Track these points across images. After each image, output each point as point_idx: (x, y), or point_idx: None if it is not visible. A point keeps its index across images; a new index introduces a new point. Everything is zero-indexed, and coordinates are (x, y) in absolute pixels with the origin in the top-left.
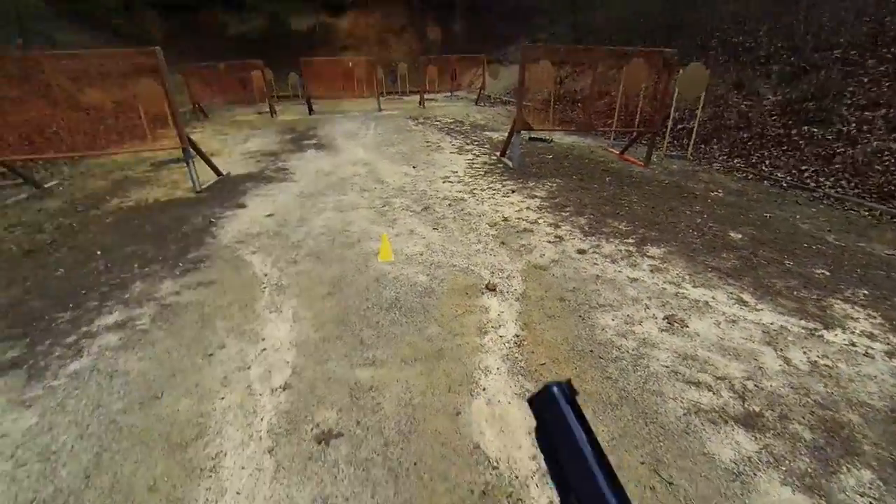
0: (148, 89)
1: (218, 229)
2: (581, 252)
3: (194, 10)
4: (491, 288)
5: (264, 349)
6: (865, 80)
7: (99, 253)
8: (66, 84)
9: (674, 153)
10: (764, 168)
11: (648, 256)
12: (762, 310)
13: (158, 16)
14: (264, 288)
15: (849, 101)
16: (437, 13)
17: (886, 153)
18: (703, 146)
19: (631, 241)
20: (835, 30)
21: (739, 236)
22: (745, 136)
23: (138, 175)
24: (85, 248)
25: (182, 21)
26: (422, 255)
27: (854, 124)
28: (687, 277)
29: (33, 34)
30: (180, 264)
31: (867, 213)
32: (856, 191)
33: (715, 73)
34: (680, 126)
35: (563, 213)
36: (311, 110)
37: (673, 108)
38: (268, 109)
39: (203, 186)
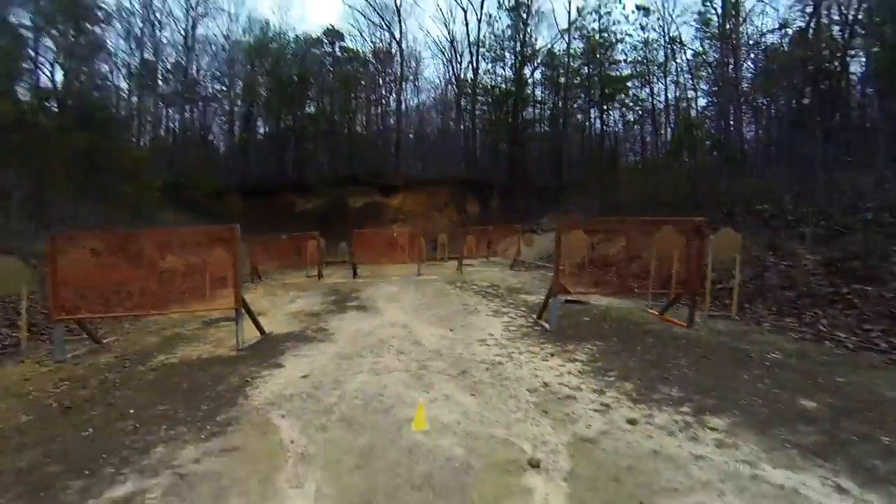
0: (218, 255)
1: (252, 389)
2: (632, 422)
3: (270, 192)
4: (534, 464)
5: None
6: None
7: (131, 412)
8: (153, 252)
9: (717, 313)
10: (822, 328)
11: (710, 428)
12: (871, 502)
13: (241, 198)
14: (289, 457)
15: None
16: (476, 192)
17: None
18: (747, 306)
19: (687, 409)
20: (859, 196)
21: (814, 405)
22: (792, 294)
23: (188, 332)
24: (120, 406)
25: (259, 202)
26: (458, 423)
27: None
28: (763, 455)
29: (140, 217)
30: (208, 427)
31: None
32: None
33: (746, 237)
34: (719, 286)
35: (607, 378)
36: (355, 274)
37: (709, 269)
38: (316, 273)
39: (245, 345)
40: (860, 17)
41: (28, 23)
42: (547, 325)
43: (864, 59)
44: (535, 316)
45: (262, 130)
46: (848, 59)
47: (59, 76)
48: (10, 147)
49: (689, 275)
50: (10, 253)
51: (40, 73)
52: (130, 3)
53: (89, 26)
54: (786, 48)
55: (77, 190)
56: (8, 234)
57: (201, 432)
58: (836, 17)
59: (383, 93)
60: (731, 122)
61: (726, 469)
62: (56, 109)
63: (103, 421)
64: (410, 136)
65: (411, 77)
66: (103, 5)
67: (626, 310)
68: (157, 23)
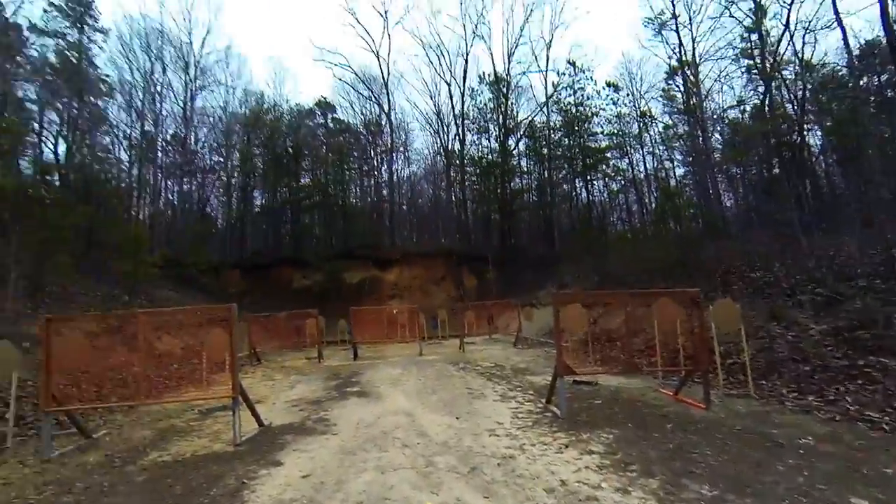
0: (215, 338)
1: (249, 493)
2: None
3: (268, 268)
4: None
5: None
6: None
7: None
8: (149, 334)
9: (734, 391)
10: (848, 406)
11: None
12: None
13: (240, 274)
14: None
15: None
16: (471, 265)
17: None
18: (763, 382)
19: None
20: (845, 262)
21: (866, 503)
22: (807, 368)
23: (183, 423)
24: None
25: (257, 278)
26: None
27: None
28: None
29: (137, 294)
30: None
31: None
32: None
33: (744, 307)
34: (730, 361)
35: (629, 473)
36: (356, 356)
37: (716, 343)
38: (316, 355)
39: (243, 439)
40: (808, 95)
41: (34, 96)
42: (557, 411)
43: (819, 133)
44: (543, 400)
45: (258, 202)
46: (805, 132)
47: (61, 149)
48: (11, 222)
49: (696, 350)
50: (1, 336)
51: (44, 145)
52: (132, 75)
53: (93, 99)
54: (746, 122)
55: (75, 267)
56: (2, 316)
57: None
58: (787, 96)
59: (375, 164)
60: (710, 191)
61: None
62: (58, 183)
63: None
64: (403, 207)
65: (401, 148)
66: (106, 78)
67: (637, 390)
68: (157, 95)
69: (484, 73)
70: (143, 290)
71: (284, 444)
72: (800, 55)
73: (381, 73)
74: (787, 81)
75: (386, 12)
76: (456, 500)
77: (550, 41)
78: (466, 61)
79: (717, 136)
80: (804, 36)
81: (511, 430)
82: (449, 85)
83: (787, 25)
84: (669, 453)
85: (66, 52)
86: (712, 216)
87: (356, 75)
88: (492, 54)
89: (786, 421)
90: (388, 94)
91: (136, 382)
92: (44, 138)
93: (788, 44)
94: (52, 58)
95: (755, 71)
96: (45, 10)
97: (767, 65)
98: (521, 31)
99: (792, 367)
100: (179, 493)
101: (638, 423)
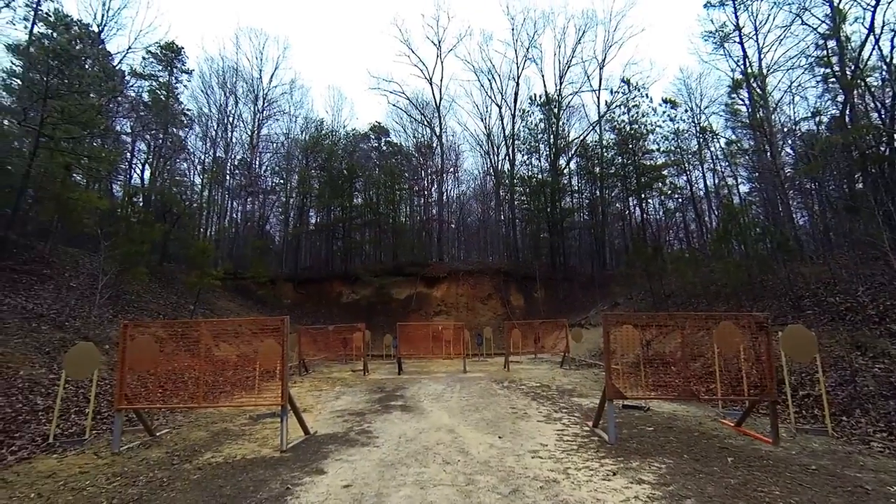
0: (268, 348)
1: (293, 499)
2: None
3: (320, 282)
4: None
5: None
6: None
7: None
8: (209, 341)
9: (808, 427)
10: None
11: None
12: None
13: (293, 286)
14: None
15: None
16: (519, 283)
17: None
18: (844, 419)
19: None
20: None
21: None
22: None
23: (236, 427)
24: None
25: (309, 291)
26: None
27: None
28: None
29: (201, 303)
30: None
31: None
32: None
33: (823, 334)
34: (803, 393)
35: None
36: (400, 370)
37: (786, 373)
38: (361, 367)
39: (289, 445)
40: None
41: (128, 129)
42: (605, 436)
43: None
44: (590, 423)
45: (313, 220)
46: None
47: (147, 174)
48: (102, 237)
49: (762, 379)
50: (87, 339)
51: (133, 171)
52: (209, 108)
53: (175, 130)
54: (823, 134)
55: (149, 277)
56: (89, 321)
57: None
58: (871, 105)
59: (425, 184)
60: (780, 209)
61: None
62: (141, 204)
63: None
64: (452, 225)
65: (451, 169)
66: (188, 112)
67: (693, 418)
68: (229, 125)
69: (535, 95)
70: (205, 300)
71: (328, 454)
72: (887, 59)
73: (434, 98)
74: (873, 88)
75: (439, 41)
76: None
77: (603, 60)
78: (517, 84)
79: (787, 150)
80: (892, 39)
81: (555, 453)
82: (500, 107)
83: (870, 29)
84: (731, 490)
85: (157, 91)
86: (783, 235)
87: (409, 101)
88: (543, 76)
89: (873, 464)
90: (439, 117)
91: (196, 386)
92: (133, 165)
93: (873, 48)
94: (146, 96)
95: (833, 80)
96: (144, 58)
97: (848, 72)
98: (574, 51)
99: (881, 403)
100: (229, 493)
101: (694, 454)
